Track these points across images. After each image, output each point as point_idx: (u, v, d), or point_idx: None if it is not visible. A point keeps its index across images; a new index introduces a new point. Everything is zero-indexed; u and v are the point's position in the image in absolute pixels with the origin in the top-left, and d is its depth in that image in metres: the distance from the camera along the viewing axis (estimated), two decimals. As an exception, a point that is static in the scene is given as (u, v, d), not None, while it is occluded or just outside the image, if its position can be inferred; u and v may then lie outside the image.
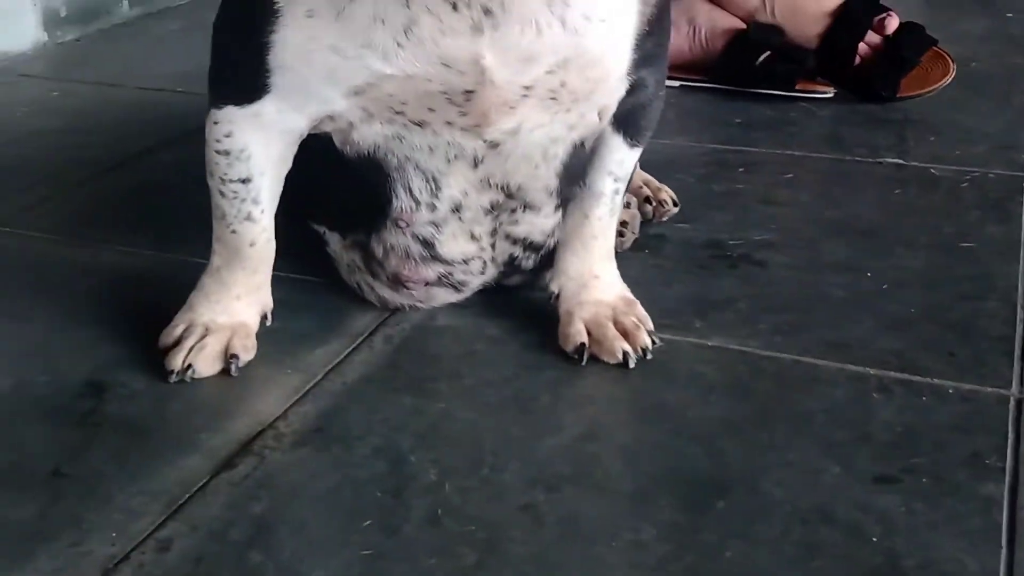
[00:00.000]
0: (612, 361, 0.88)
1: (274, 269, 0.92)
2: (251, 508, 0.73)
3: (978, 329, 0.93)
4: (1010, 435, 0.79)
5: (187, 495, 0.74)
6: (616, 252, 0.96)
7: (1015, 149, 1.32)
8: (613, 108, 0.85)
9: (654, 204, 1.13)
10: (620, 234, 1.01)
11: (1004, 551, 0.68)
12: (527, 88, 0.78)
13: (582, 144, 0.87)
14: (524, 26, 0.75)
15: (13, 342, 0.94)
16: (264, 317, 0.93)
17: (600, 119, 0.85)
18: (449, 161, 0.84)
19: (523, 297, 0.98)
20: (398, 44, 0.75)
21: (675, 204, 1.15)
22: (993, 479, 0.74)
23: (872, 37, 1.49)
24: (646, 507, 0.73)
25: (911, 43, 1.48)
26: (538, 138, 0.84)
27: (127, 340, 0.93)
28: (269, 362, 0.90)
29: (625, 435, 0.81)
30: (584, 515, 0.72)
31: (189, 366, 0.87)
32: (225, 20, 0.85)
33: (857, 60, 1.49)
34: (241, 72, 0.81)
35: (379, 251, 0.92)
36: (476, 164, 0.84)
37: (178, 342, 0.89)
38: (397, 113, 0.81)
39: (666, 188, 1.15)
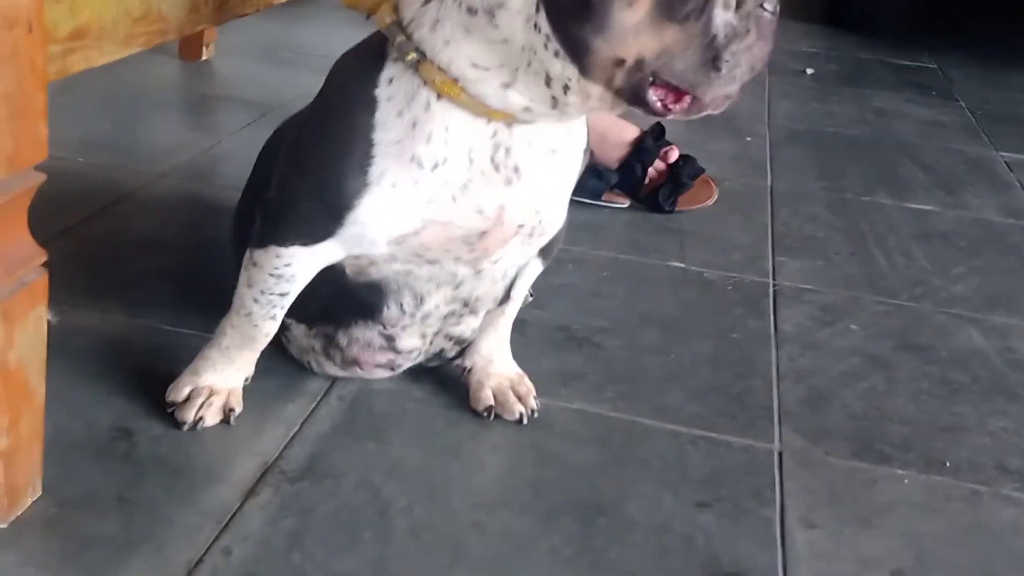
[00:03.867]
0: (511, 419, 1.18)
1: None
2: (282, 524, 0.98)
3: (750, 400, 1.30)
4: (776, 476, 1.16)
5: (229, 515, 0.98)
6: (522, 305, 1.24)
7: (762, 259, 1.73)
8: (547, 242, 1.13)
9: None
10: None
11: (779, 552, 1.04)
12: (521, 227, 1.04)
13: None
14: (534, 180, 1.02)
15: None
16: (246, 379, 1.16)
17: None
18: (438, 285, 1.08)
19: (434, 368, 1.27)
20: (453, 199, 0.99)
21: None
22: (769, 506, 1.10)
23: (659, 163, 1.87)
24: (553, 523, 1.04)
25: (687, 170, 1.87)
26: (505, 264, 1.10)
27: (131, 394, 1.15)
28: (255, 414, 1.14)
29: (529, 473, 1.11)
30: (514, 529, 1.02)
31: (200, 419, 1.10)
32: (308, 184, 1.00)
33: (647, 180, 1.87)
34: (317, 224, 0.99)
35: (344, 341, 1.15)
36: (457, 286, 1.09)
37: (187, 399, 1.11)
38: (417, 256, 1.03)
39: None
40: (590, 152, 1.83)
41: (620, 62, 0.90)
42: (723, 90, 0.93)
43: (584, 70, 0.91)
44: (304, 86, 1.07)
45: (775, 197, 2.01)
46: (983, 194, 2.14)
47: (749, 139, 2.36)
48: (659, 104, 0.92)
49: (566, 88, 0.93)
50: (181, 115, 2.20)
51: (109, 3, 1.01)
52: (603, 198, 1.86)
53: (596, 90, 0.93)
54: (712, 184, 1.92)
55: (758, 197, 2.01)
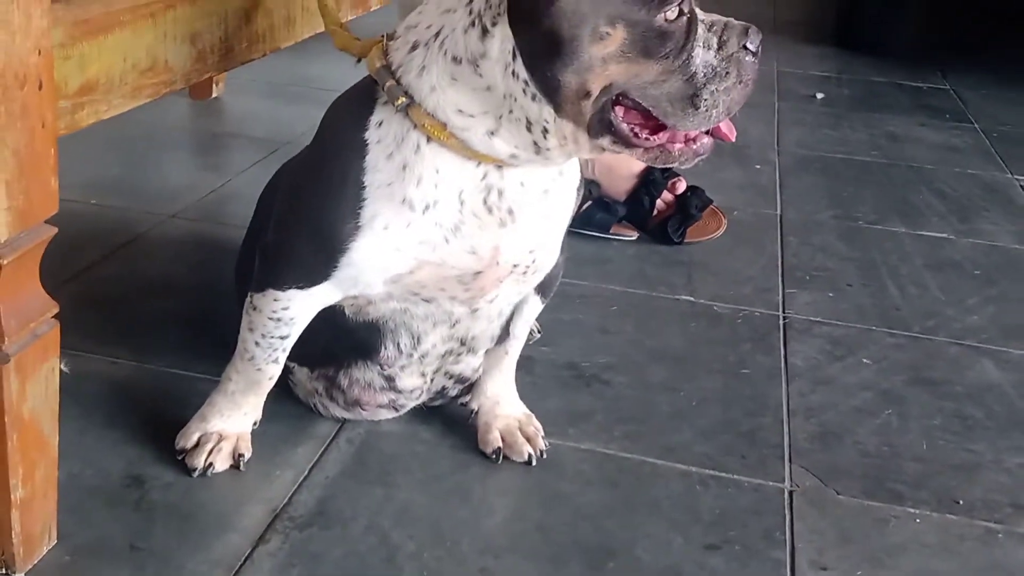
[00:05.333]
0: (520, 460, 1.20)
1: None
2: (291, 572, 1.00)
3: (760, 438, 1.31)
4: (787, 516, 1.17)
5: (240, 563, 1.00)
6: (529, 342, 1.26)
7: (771, 291, 1.75)
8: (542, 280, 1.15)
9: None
10: (530, 332, 1.37)
11: (789, 593, 1.05)
12: (515, 266, 1.06)
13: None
14: (528, 222, 1.04)
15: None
16: (254, 423, 1.19)
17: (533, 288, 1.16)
18: (435, 324, 1.11)
19: (439, 409, 1.29)
20: (446, 240, 1.01)
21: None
22: (779, 547, 1.11)
23: (666, 195, 1.90)
24: (561, 568, 1.05)
25: (695, 201, 1.90)
26: (501, 303, 1.12)
27: (142, 441, 1.17)
28: (264, 459, 1.16)
29: (538, 515, 1.13)
30: (524, 574, 1.04)
31: (210, 465, 1.12)
32: (302, 227, 1.03)
33: (655, 212, 1.89)
34: (312, 267, 1.02)
35: (345, 383, 1.18)
36: (453, 325, 1.12)
37: (196, 445, 1.13)
38: (414, 294, 1.06)
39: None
40: (598, 185, 1.90)
41: (587, 94, 0.93)
42: (697, 127, 0.95)
43: (557, 108, 0.94)
44: (313, 121, 1.10)
45: (785, 226, 2.02)
46: (998, 220, 2.14)
47: (758, 167, 2.37)
48: (626, 128, 0.95)
49: (545, 131, 0.96)
50: (191, 154, 2.24)
51: (116, 57, 1.04)
52: (611, 231, 1.88)
53: (569, 128, 0.95)
54: (721, 215, 1.94)
55: (768, 227, 2.02)
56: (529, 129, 0.96)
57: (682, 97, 0.93)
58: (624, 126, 0.95)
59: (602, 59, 0.91)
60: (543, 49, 0.92)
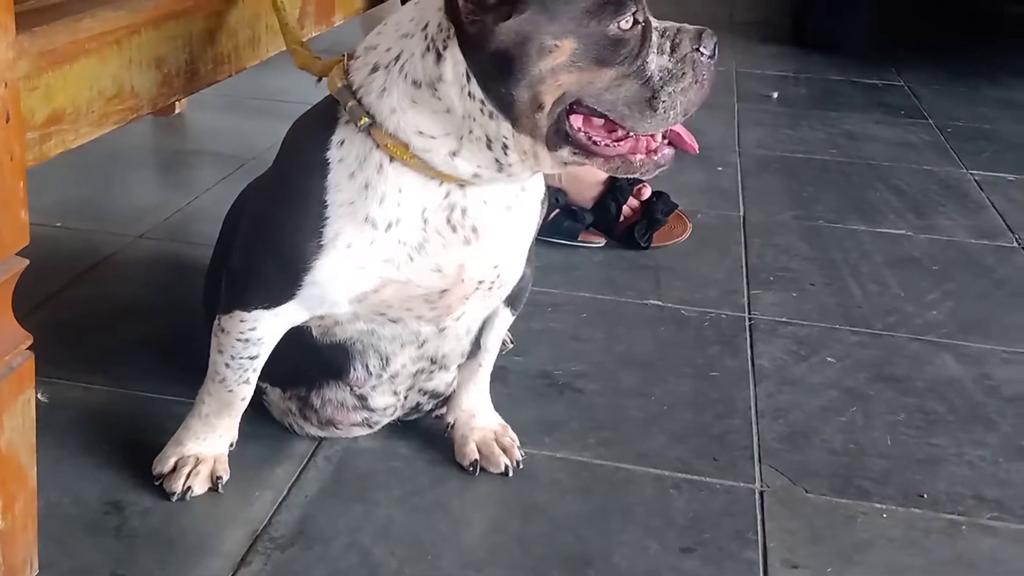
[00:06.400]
0: (497, 472, 1.21)
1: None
2: (274, 593, 1.01)
3: (730, 440, 1.34)
4: (758, 516, 1.19)
5: (222, 587, 1.01)
6: (501, 352, 1.28)
7: (736, 293, 1.77)
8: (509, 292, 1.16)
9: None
10: (503, 342, 1.38)
11: (764, 593, 1.07)
12: (480, 283, 1.07)
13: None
14: (492, 239, 1.05)
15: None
16: (231, 444, 1.19)
17: (501, 301, 1.17)
18: (402, 345, 1.12)
19: (416, 423, 1.30)
20: (410, 258, 1.01)
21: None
22: (752, 548, 1.13)
23: (632, 201, 1.92)
24: (541, 577, 1.07)
25: (660, 206, 1.92)
26: (468, 320, 1.14)
27: (119, 467, 1.17)
28: (242, 480, 1.16)
29: (517, 527, 1.14)
30: (503, 585, 1.05)
31: (189, 488, 1.12)
32: (266, 247, 1.03)
33: (621, 218, 1.91)
34: (276, 287, 1.03)
35: (317, 402, 1.19)
36: (421, 345, 1.13)
37: (174, 469, 1.14)
38: (380, 314, 1.07)
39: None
40: (565, 194, 1.92)
41: (540, 106, 0.94)
42: (655, 128, 0.97)
43: (514, 123, 0.96)
44: (277, 136, 1.10)
45: (748, 228, 2.05)
46: (954, 215, 2.18)
47: (720, 169, 2.40)
48: (583, 137, 0.96)
49: (505, 148, 0.97)
50: (156, 173, 2.23)
51: (82, 86, 1.04)
52: (579, 238, 1.90)
53: (528, 142, 0.97)
54: (685, 219, 1.97)
55: (731, 229, 2.05)
56: (490, 147, 0.98)
57: (639, 100, 0.95)
58: (581, 135, 0.96)
59: (552, 70, 0.93)
60: (494, 68, 0.94)
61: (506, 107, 0.95)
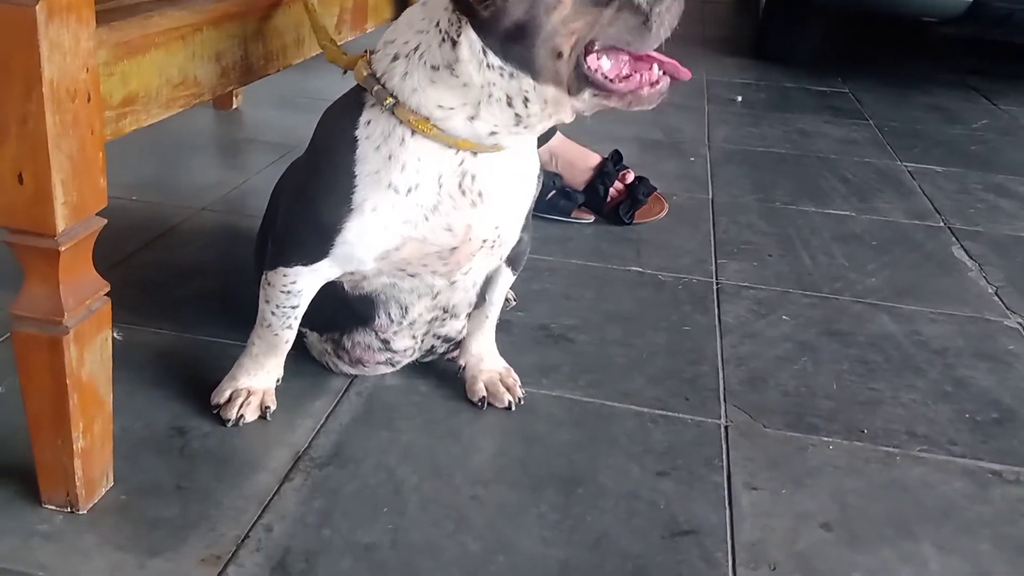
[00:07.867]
0: (501, 407, 1.20)
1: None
2: (313, 504, 1.00)
3: (699, 383, 1.32)
4: (723, 446, 1.18)
5: (269, 498, 1.00)
6: (506, 308, 1.25)
7: (706, 262, 1.75)
8: (508, 253, 1.15)
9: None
10: (507, 300, 1.36)
11: (728, 511, 1.06)
12: (485, 241, 1.06)
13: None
14: (497, 201, 1.03)
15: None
16: (277, 380, 1.18)
17: (502, 260, 1.16)
18: (419, 296, 1.11)
19: (433, 365, 1.28)
20: (426, 218, 1.01)
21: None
22: (718, 472, 1.12)
23: (618, 184, 1.89)
24: (539, 494, 1.05)
25: (642, 189, 1.89)
26: (474, 275, 1.12)
27: (183, 398, 1.16)
28: (287, 410, 1.15)
29: (518, 452, 1.13)
30: (507, 500, 1.04)
31: (241, 416, 1.11)
32: (305, 214, 1.02)
33: (608, 199, 1.89)
34: (313, 247, 1.02)
35: (348, 344, 1.17)
36: (435, 296, 1.11)
37: (229, 400, 1.12)
38: (400, 269, 1.06)
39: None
40: (561, 178, 1.89)
41: (559, 55, 0.93)
42: (653, 44, 0.96)
43: (536, 75, 0.94)
44: (318, 128, 1.08)
45: (716, 209, 2.02)
46: (891, 200, 2.16)
47: (692, 159, 2.37)
48: (600, 76, 0.95)
49: (526, 100, 0.96)
50: (217, 157, 2.20)
51: (153, 73, 1.02)
52: (572, 215, 1.88)
53: (550, 91, 0.95)
54: (663, 200, 1.94)
55: (702, 209, 2.02)
56: (510, 104, 0.96)
57: (636, 25, 0.94)
58: (598, 75, 0.95)
59: (562, 21, 0.92)
60: (512, 37, 0.92)
61: (528, 64, 0.93)
